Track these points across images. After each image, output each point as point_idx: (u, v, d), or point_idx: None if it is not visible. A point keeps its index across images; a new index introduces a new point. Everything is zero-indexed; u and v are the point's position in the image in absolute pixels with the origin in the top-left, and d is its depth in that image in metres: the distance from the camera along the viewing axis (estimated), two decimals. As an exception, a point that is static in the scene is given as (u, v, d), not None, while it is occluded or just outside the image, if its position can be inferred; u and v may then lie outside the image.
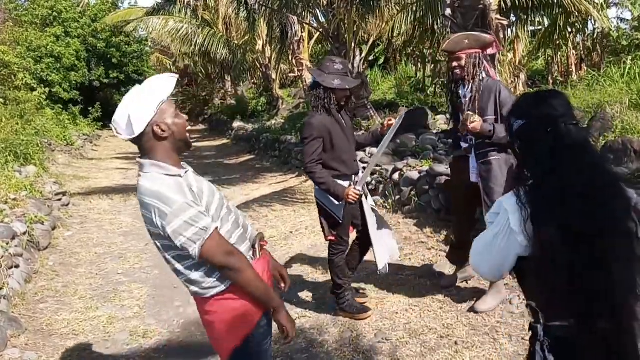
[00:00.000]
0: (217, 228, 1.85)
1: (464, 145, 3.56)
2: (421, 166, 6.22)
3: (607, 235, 1.42)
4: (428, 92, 12.80)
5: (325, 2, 9.74)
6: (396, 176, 6.47)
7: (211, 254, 1.82)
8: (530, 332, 1.62)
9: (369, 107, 9.95)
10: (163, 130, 1.82)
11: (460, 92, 3.50)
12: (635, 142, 5.21)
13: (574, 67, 11.80)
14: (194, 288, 1.94)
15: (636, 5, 10.76)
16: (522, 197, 1.49)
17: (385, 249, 3.66)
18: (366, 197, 3.63)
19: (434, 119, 8.96)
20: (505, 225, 1.52)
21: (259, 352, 2.03)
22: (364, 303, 3.82)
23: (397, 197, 6.25)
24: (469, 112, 3.29)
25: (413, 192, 5.96)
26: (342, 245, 3.63)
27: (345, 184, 3.44)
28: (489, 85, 3.39)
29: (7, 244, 4.73)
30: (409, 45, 13.59)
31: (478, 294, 3.81)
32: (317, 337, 3.54)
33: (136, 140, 1.82)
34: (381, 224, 3.69)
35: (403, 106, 10.87)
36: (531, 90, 10.72)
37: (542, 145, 1.50)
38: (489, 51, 3.46)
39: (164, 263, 2.04)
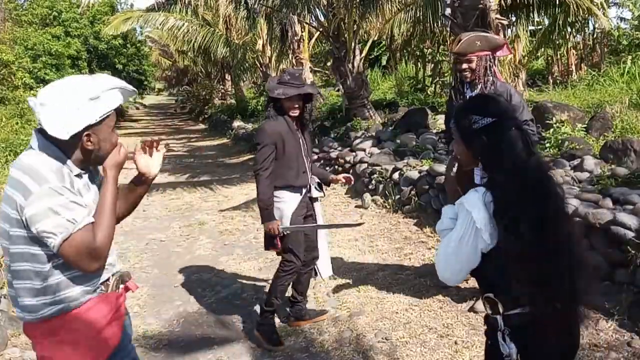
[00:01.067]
0: (92, 223, 1.63)
1: None
2: (421, 166, 6.22)
3: (563, 220, 1.60)
4: (428, 92, 12.80)
5: (325, 2, 9.73)
6: (396, 176, 6.47)
7: (77, 250, 1.58)
8: (486, 326, 1.69)
9: (368, 107, 9.95)
10: (91, 143, 1.65)
11: (467, 94, 3.42)
12: (635, 142, 5.21)
13: (574, 67, 11.80)
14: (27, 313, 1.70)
15: (637, 5, 10.76)
16: (486, 195, 1.55)
17: (328, 262, 3.72)
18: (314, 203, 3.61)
19: (434, 119, 8.97)
20: (470, 227, 1.56)
21: None
22: (323, 319, 3.74)
23: (397, 196, 6.26)
24: None
25: (413, 192, 5.96)
26: (294, 262, 3.41)
27: (295, 196, 3.37)
28: (499, 90, 3.33)
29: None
30: (409, 45, 13.60)
31: (478, 293, 3.81)
32: (316, 336, 3.54)
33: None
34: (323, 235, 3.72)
35: (403, 105, 10.87)
36: (531, 90, 10.73)
37: (510, 142, 1.57)
38: (499, 53, 3.40)
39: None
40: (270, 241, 3.38)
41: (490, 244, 1.55)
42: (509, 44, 10.71)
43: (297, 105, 3.32)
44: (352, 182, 3.70)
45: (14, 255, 1.67)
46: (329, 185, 3.76)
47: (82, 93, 1.61)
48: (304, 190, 3.43)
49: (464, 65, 3.30)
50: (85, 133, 1.63)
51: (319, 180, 3.58)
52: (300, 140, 3.40)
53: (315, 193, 3.52)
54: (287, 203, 3.36)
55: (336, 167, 8.21)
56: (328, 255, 3.73)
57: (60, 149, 1.65)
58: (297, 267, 3.44)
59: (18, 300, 1.72)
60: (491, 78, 3.33)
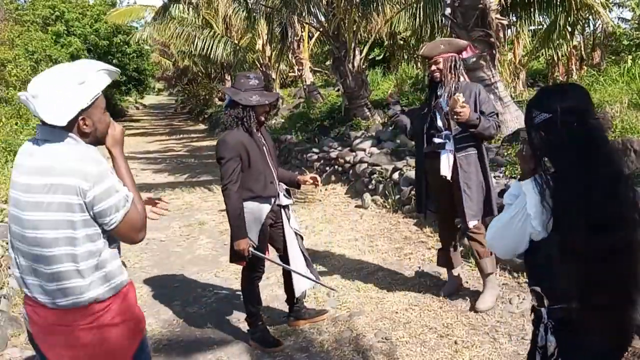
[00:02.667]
0: (133, 199, 1.79)
1: (438, 140, 3.63)
2: (421, 166, 6.21)
3: (624, 227, 1.50)
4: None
5: (325, 2, 9.73)
6: (396, 175, 6.47)
7: (131, 224, 1.74)
8: (533, 315, 1.69)
9: (368, 107, 9.95)
10: (87, 126, 1.73)
11: (438, 92, 3.64)
12: (635, 142, 5.21)
13: (574, 67, 11.80)
14: (94, 291, 1.75)
15: (638, 5, 10.76)
16: (542, 186, 1.53)
17: (306, 273, 3.49)
18: (289, 220, 3.45)
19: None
20: (522, 209, 1.57)
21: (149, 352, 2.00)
22: (322, 319, 3.72)
23: (397, 196, 6.26)
24: (458, 95, 3.35)
25: (413, 192, 5.96)
26: (257, 271, 3.41)
27: (263, 206, 3.27)
28: (469, 86, 3.63)
29: (7, 243, 4.73)
30: (409, 45, 13.59)
31: (478, 294, 3.81)
32: (316, 336, 3.54)
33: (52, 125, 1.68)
34: (303, 250, 3.53)
35: (403, 105, 10.84)
36: (531, 90, 10.72)
37: (568, 138, 1.52)
38: (464, 54, 3.68)
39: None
40: (237, 256, 3.27)
41: (542, 233, 1.54)
42: (509, 44, 10.73)
43: (267, 110, 3.29)
44: (320, 183, 3.63)
45: (76, 240, 1.71)
46: (298, 188, 3.65)
47: (70, 79, 1.67)
48: (272, 200, 3.33)
49: (432, 67, 3.61)
50: (80, 117, 1.70)
51: (286, 187, 3.49)
52: (264, 148, 3.29)
53: (284, 201, 3.40)
54: (255, 214, 3.26)
55: (336, 167, 8.21)
56: (305, 268, 3.48)
57: (69, 131, 1.72)
58: (260, 274, 3.45)
59: (64, 287, 1.73)
60: (459, 77, 3.59)
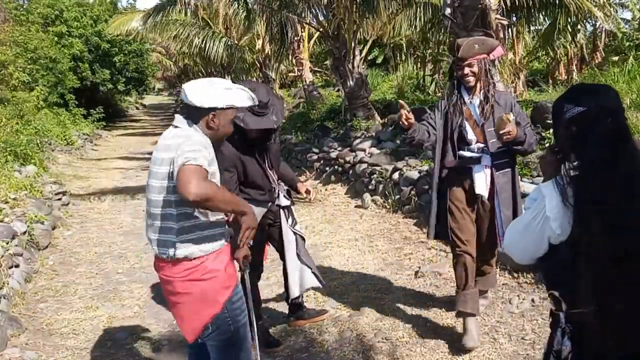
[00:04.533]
0: (208, 174, 2.05)
1: (467, 154, 3.21)
2: (421, 166, 6.22)
3: None
4: (429, 92, 12.81)
5: (325, 2, 9.73)
6: (396, 176, 6.47)
7: (184, 175, 1.96)
8: (551, 319, 1.66)
9: (368, 107, 9.96)
10: (214, 122, 2.15)
11: (465, 98, 3.21)
12: (636, 142, 5.20)
13: (574, 67, 11.80)
14: (188, 247, 2.12)
15: (638, 7, 10.77)
16: (564, 186, 1.52)
17: (303, 276, 3.42)
18: (287, 220, 3.40)
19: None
20: (541, 211, 1.55)
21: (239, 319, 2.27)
22: (322, 319, 3.71)
23: (397, 196, 6.26)
24: (507, 114, 2.91)
25: (413, 192, 5.96)
26: (255, 271, 3.30)
27: (259, 209, 3.14)
28: (504, 95, 3.30)
29: (7, 243, 4.73)
30: (409, 45, 13.60)
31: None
32: (316, 336, 3.54)
33: (190, 108, 2.14)
34: (303, 252, 3.45)
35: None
36: (531, 90, 10.72)
37: (599, 134, 1.50)
38: (494, 54, 3.28)
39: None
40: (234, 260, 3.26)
41: (560, 235, 1.52)
42: (509, 44, 10.73)
43: (259, 135, 3.07)
44: (311, 197, 3.55)
45: (175, 202, 2.11)
46: (297, 192, 3.57)
47: (221, 84, 2.19)
48: (269, 204, 3.29)
49: (466, 70, 3.13)
50: (212, 112, 2.13)
51: (287, 188, 3.45)
52: (264, 155, 3.18)
53: (283, 201, 3.36)
54: None
55: (336, 167, 8.21)
56: (299, 273, 3.43)
57: (195, 123, 2.15)
58: (258, 274, 3.42)
59: (169, 240, 2.14)
60: (493, 83, 3.22)
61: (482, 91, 3.17)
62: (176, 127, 2.18)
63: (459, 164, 3.23)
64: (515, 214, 3.13)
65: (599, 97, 1.57)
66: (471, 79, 3.15)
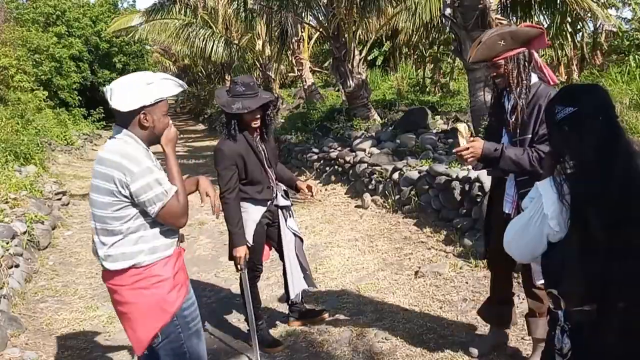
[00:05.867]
0: (176, 191, 2.07)
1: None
2: (421, 166, 6.22)
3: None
4: (428, 92, 12.81)
5: (325, 2, 9.73)
6: (396, 176, 6.47)
7: (170, 214, 2.04)
8: (549, 317, 1.68)
9: (368, 107, 9.96)
10: (147, 120, 2.06)
11: (505, 104, 2.77)
12: (635, 142, 5.20)
13: (575, 67, 11.79)
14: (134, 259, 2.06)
15: (638, 6, 10.76)
16: (559, 184, 1.53)
17: (300, 277, 3.45)
18: (286, 220, 3.41)
19: (434, 119, 8.96)
20: (539, 209, 1.56)
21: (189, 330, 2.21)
22: (322, 319, 3.69)
23: (397, 196, 6.26)
24: (460, 125, 2.66)
25: (413, 192, 5.96)
26: (255, 270, 3.37)
27: (258, 208, 3.25)
28: (540, 93, 2.62)
29: (7, 243, 4.73)
30: (410, 45, 13.59)
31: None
32: (317, 336, 3.54)
33: (120, 114, 2.03)
34: (301, 253, 3.49)
35: (403, 105, 10.86)
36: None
37: (590, 132, 1.52)
38: (536, 45, 2.67)
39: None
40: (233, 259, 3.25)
41: (559, 233, 1.53)
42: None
43: (258, 116, 3.15)
44: (314, 194, 3.50)
45: (120, 217, 2.05)
46: (297, 191, 3.59)
47: (141, 80, 2.05)
48: (268, 202, 3.31)
49: (493, 73, 2.73)
50: (142, 112, 2.04)
51: (285, 188, 3.46)
52: (262, 154, 3.23)
53: (282, 202, 3.38)
54: (250, 214, 3.24)
55: (336, 167, 8.21)
56: (300, 273, 3.45)
57: (127, 129, 2.06)
58: (257, 273, 3.43)
59: (111, 253, 2.08)
60: (529, 79, 2.64)
61: (518, 89, 2.65)
62: (112, 137, 2.11)
63: (495, 175, 2.91)
64: None
65: (590, 96, 1.59)
66: (499, 81, 2.71)
